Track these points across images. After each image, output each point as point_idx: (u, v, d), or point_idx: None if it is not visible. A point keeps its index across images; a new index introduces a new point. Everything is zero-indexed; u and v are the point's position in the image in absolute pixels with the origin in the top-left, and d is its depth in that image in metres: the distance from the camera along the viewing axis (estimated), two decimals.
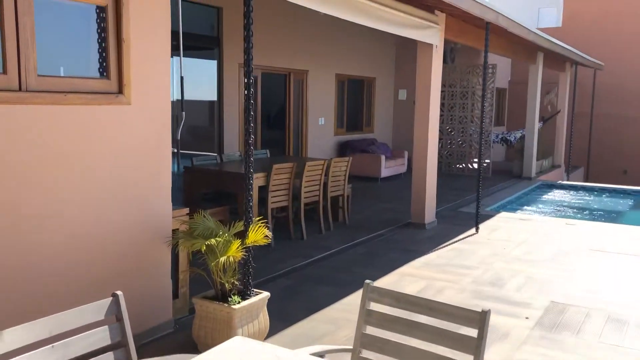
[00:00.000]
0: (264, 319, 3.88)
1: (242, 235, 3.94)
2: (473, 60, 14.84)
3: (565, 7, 19.36)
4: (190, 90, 9.06)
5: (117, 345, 2.14)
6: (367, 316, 2.36)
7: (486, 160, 13.86)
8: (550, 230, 8.18)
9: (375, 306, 2.38)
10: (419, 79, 7.97)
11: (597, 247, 7.22)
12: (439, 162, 14.48)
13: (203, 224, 3.84)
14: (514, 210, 10.21)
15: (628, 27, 17.56)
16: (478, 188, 8.06)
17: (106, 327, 2.13)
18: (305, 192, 7.15)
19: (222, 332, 3.64)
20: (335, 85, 12.39)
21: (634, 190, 12.51)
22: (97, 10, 3.66)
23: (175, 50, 4.24)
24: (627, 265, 6.46)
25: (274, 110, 11.40)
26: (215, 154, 8.19)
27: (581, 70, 15.78)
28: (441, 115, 14.40)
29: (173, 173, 4.36)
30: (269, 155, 8.63)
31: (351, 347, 2.36)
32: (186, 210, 4.45)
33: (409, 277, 5.79)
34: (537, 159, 13.96)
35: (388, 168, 12.38)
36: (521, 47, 11.59)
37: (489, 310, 2.11)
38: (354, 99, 13.44)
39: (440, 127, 14.43)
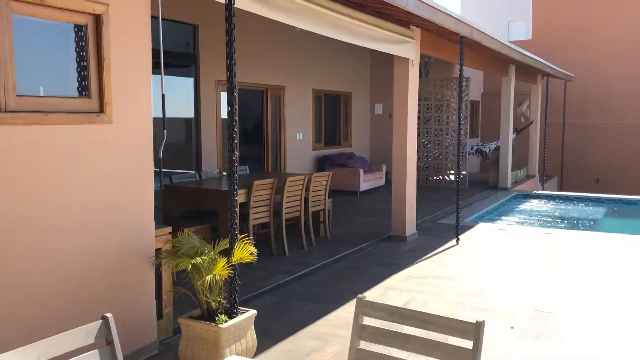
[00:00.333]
0: (251, 337, 3.83)
1: (226, 253, 3.90)
2: (446, 73, 15.07)
3: (535, 21, 19.83)
4: (168, 108, 9.03)
5: None
6: (360, 331, 2.35)
7: (462, 172, 14.01)
8: (529, 240, 8.28)
9: (368, 320, 2.38)
10: (396, 93, 8.05)
11: (575, 256, 7.33)
12: (417, 175, 14.60)
13: (188, 242, 3.79)
14: (492, 220, 10.33)
15: (595, 40, 18.04)
16: (457, 200, 8.14)
17: (96, 351, 2.08)
18: (286, 208, 7.13)
19: (210, 352, 3.59)
20: (313, 100, 12.44)
21: (607, 198, 12.77)
22: (76, 29, 3.62)
23: (155, 68, 4.21)
24: (607, 271, 6.56)
25: (252, 126, 11.39)
26: (194, 172, 8.13)
27: (552, 81, 16.13)
28: (417, 129, 14.55)
29: (155, 192, 4.31)
30: (248, 172, 8.60)
31: None
32: (169, 229, 4.39)
33: (393, 291, 5.79)
34: (512, 170, 14.18)
35: (367, 182, 12.43)
36: (494, 60, 11.80)
37: (483, 322, 2.12)
38: (331, 113, 13.51)
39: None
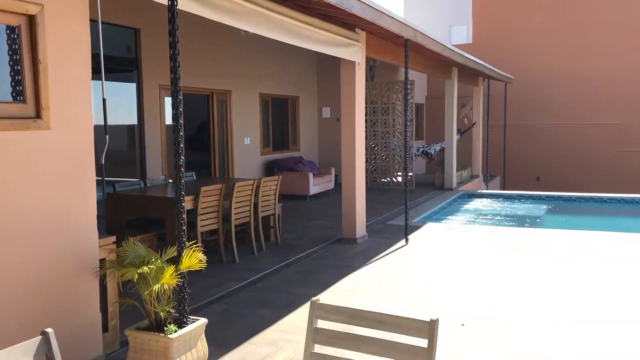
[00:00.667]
0: (202, 346, 3.73)
1: (174, 261, 3.79)
2: (392, 77, 15.28)
3: (475, 25, 20.40)
4: (109, 115, 8.74)
5: None
6: (314, 334, 2.31)
7: (409, 174, 14.22)
8: (475, 238, 8.47)
9: (322, 323, 2.34)
10: (343, 96, 8.08)
11: (519, 252, 7.54)
12: (365, 178, 14.72)
13: (133, 251, 3.66)
14: (439, 220, 10.51)
15: (533, 43, 18.71)
16: (405, 201, 8.24)
17: None
18: (235, 214, 7.02)
19: None
20: (260, 104, 12.35)
21: (547, 195, 13.23)
22: (9, 31, 3.44)
23: (96, 73, 4.06)
24: (551, 266, 6.77)
25: (198, 132, 11.19)
26: (138, 179, 7.90)
27: (493, 84, 16.61)
28: (365, 132, 14.68)
29: (98, 201, 4.14)
30: (195, 178, 8.43)
31: None
32: (113, 238, 4.24)
33: (346, 293, 5.79)
34: (457, 170, 14.50)
35: (316, 185, 12.43)
36: (437, 63, 12.05)
37: (438, 320, 2.12)
38: (279, 118, 13.46)
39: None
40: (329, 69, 13.85)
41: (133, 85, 9.06)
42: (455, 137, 14.34)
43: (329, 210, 10.65)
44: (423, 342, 2.12)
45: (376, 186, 14.42)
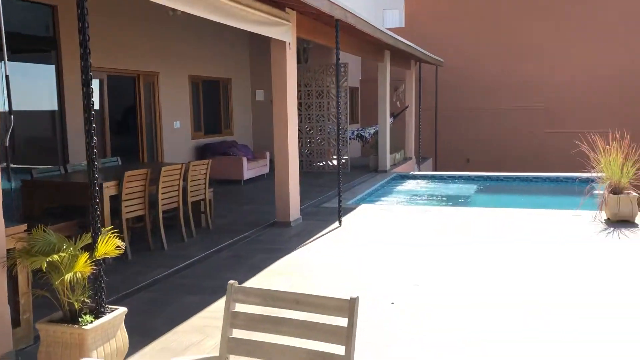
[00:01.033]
0: (122, 336, 3.54)
1: (91, 248, 3.56)
2: (326, 60, 15.19)
3: (407, 8, 20.60)
4: (26, 100, 8.20)
5: None
6: (232, 319, 2.20)
7: (344, 157, 14.25)
8: (407, 218, 8.57)
9: (241, 307, 2.23)
10: (274, 77, 7.93)
11: (452, 230, 7.68)
12: (300, 161, 14.63)
13: (43, 239, 3.41)
14: (373, 202, 10.59)
15: (463, 27, 19.09)
16: (339, 183, 8.22)
17: None
18: (162, 199, 6.77)
19: (74, 358, 3.26)
20: (190, 87, 11.98)
21: (477, 175, 13.59)
22: None
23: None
24: (485, 245, 6.92)
25: (124, 115, 10.74)
26: (58, 166, 7.48)
27: (425, 67, 16.85)
28: (299, 115, 14.56)
29: (5, 188, 3.84)
30: (120, 163, 8.07)
31: (217, 354, 2.18)
32: (24, 226, 3.94)
33: (277, 277, 5.70)
34: (391, 153, 14.65)
35: (250, 170, 12.23)
36: (370, 45, 12.05)
37: (357, 297, 2.06)
38: (211, 101, 13.11)
39: (299, 126, 14.60)
40: (262, 51, 13.60)
41: (52, 68, 8.54)
42: (389, 120, 14.47)
43: (264, 195, 10.49)
44: (343, 321, 2.05)
45: (312, 170, 14.37)
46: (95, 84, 9.21)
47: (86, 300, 3.50)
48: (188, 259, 6.34)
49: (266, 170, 12.91)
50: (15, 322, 3.88)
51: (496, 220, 8.26)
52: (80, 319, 3.35)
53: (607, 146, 8.03)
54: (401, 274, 5.69)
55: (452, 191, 12.64)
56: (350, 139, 15.03)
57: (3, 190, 3.73)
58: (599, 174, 8.24)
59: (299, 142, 14.50)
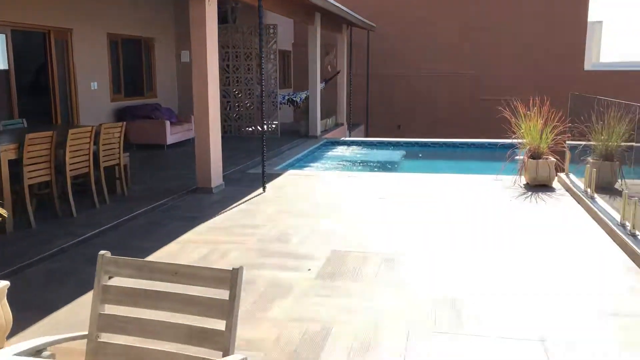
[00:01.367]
0: (3, 312, 3.23)
1: None
2: (255, 20, 14.68)
3: None
4: None
5: None
6: (103, 293, 1.97)
7: (274, 122, 13.97)
8: (333, 184, 8.47)
9: (113, 281, 2.00)
10: (193, 35, 7.52)
11: (375, 195, 7.63)
12: (229, 126, 14.24)
13: None
14: (301, 167, 10.43)
15: None
16: (262, 147, 7.99)
17: None
18: (71, 164, 6.32)
19: None
20: (108, 46, 11.27)
21: (405, 142, 13.67)
22: None
23: None
24: (402, 208, 6.91)
25: (36, 75, 10.00)
26: None
27: (357, 32, 16.65)
28: (227, 77, 14.10)
29: None
30: (25, 125, 7.50)
31: (86, 332, 1.95)
32: None
33: (191, 245, 5.45)
34: (322, 118, 14.48)
35: (174, 134, 11.76)
36: (299, 6, 11.70)
37: (241, 268, 1.87)
38: (132, 61, 12.41)
39: (227, 89, 14.15)
40: (186, 10, 12.96)
41: None
42: (320, 85, 14.25)
43: (188, 160, 10.09)
44: (225, 294, 1.87)
45: (241, 135, 14.02)
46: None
47: None
48: (99, 227, 5.98)
49: (192, 134, 12.42)
50: None
51: (418, 185, 8.28)
52: None
53: (528, 112, 8.16)
54: (320, 239, 5.57)
55: (381, 157, 12.67)
56: (280, 103, 14.71)
57: None
58: (520, 140, 8.40)
59: (227, 106, 14.15)
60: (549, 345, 3.40)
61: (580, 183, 7.78)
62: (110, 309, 1.99)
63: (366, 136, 18.14)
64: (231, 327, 1.81)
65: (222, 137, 8.27)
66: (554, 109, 8.12)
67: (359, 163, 11.84)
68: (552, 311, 3.90)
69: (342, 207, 6.99)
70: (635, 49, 24.49)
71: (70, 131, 6.27)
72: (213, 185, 7.76)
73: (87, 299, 4.12)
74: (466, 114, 18.70)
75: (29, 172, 5.85)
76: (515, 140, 8.58)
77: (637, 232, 5.35)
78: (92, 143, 6.59)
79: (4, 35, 8.58)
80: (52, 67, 9.73)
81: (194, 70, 7.60)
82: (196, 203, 7.19)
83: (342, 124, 16.42)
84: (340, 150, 13.16)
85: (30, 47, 9.90)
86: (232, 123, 14.09)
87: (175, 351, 1.90)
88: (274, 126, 14.08)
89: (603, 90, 11.03)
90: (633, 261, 4.90)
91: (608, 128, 7.56)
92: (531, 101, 8.08)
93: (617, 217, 5.90)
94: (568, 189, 7.81)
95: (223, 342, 1.81)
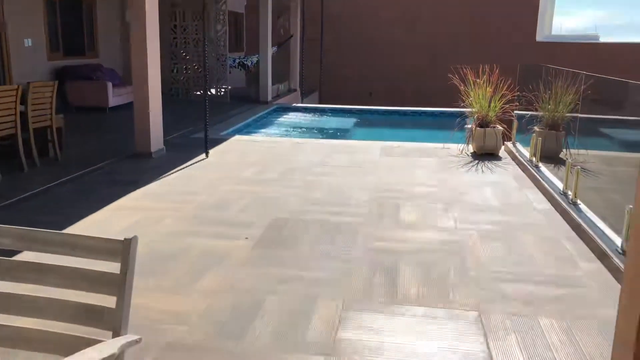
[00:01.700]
0: None
1: None
2: None
3: None
4: None
5: None
6: None
7: (224, 86, 13.55)
8: (280, 150, 8.24)
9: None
10: None
11: (321, 163, 7.44)
12: (176, 89, 13.73)
13: None
14: (248, 133, 10.14)
15: None
16: (205, 111, 7.70)
17: None
18: None
19: None
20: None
21: (357, 109, 13.47)
22: None
23: None
24: (346, 177, 6.75)
25: None
26: None
27: None
28: (174, 39, 13.54)
29: None
30: None
31: None
32: None
33: (124, 211, 5.17)
34: (274, 84, 14.13)
35: (118, 96, 11.23)
36: None
37: (135, 237, 1.65)
38: (72, 18, 11.71)
39: (174, 50, 13.60)
40: None
41: None
42: (271, 49, 13.85)
43: (130, 124, 9.61)
44: (116, 267, 1.65)
45: (189, 98, 13.56)
46: None
47: None
48: (25, 192, 5.62)
49: None
50: None
51: (365, 151, 8.14)
52: None
53: (477, 80, 8.08)
54: (261, 208, 5.37)
55: (333, 124, 12.47)
56: (231, 67, 14.28)
57: None
58: (469, 109, 8.34)
59: (174, 68, 13.61)
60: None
61: (526, 152, 7.81)
62: None
63: (320, 103, 17.85)
64: (122, 305, 1.60)
65: (169, 101, 7.91)
66: (503, 77, 8.06)
67: (308, 129, 11.61)
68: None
69: (287, 174, 6.78)
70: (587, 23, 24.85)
71: None
72: (153, 149, 7.43)
73: None
74: (425, 83, 18.53)
75: None
76: (464, 110, 8.51)
77: (578, 201, 5.37)
78: (17, 102, 6.15)
79: None
80: None
81: (132, 26, 7.20)
82: (133, 168, 6.86)
83: (295, 90, 16.09)
84: (290, 117, 12.90)
85: None
86: (180, 87, 13.60)
87: (61, 332, 1.68)
88: (223, 90, 13.66)
89: (555, 61, 11.06)
90: (572, 229, 4.91)
91: (555, 98, 7.57)
92: (480, 68, 8.00)
93: (560, 185, 5.92)
94: (514, 158, 7.82)
95: (113, 321, 1.60)
